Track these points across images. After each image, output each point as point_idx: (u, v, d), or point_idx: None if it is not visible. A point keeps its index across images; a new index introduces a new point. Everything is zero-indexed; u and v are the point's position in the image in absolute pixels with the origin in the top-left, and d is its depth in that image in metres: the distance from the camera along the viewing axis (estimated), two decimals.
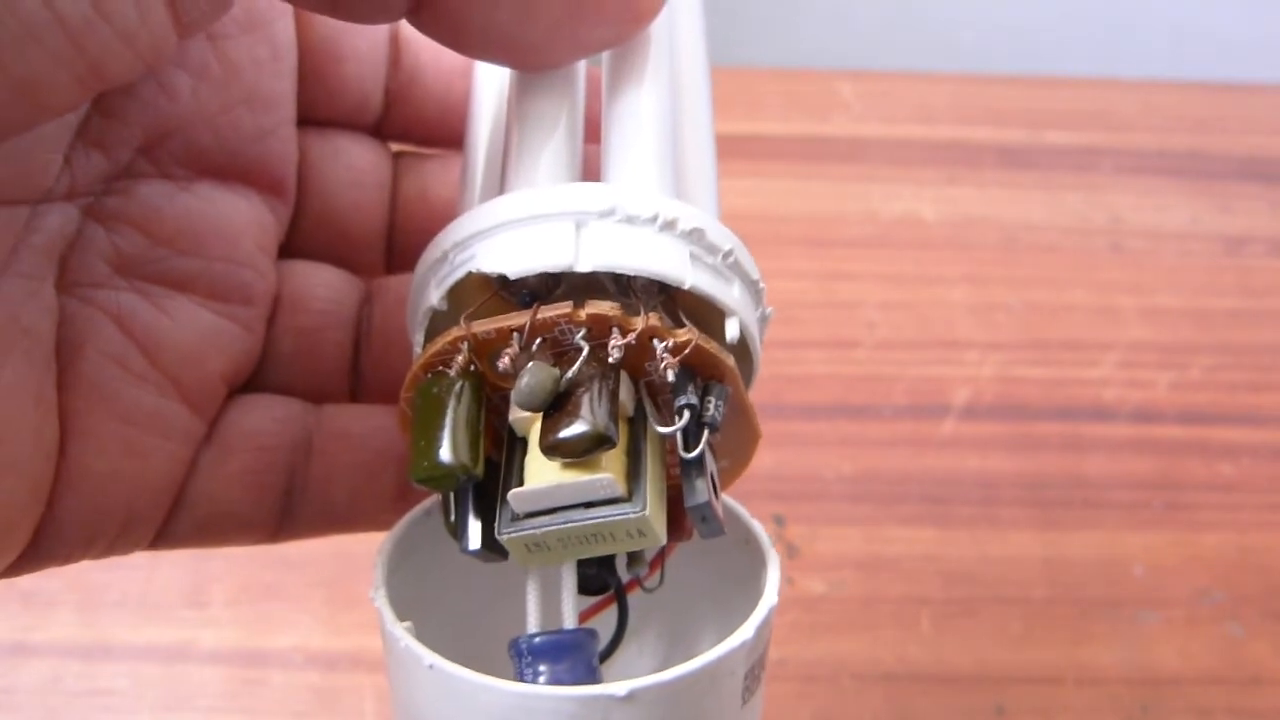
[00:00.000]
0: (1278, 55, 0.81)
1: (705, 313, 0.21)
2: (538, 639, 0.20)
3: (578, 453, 0.19)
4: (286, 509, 0.24)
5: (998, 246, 0.53)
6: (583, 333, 0.20)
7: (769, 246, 0.52)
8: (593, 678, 0.20)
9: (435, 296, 0.21)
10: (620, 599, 0.23)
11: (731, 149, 0.59)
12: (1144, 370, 0.47)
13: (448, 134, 0.26)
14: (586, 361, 0.20)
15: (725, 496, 0.23)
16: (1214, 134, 0.60)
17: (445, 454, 0.19)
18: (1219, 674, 0.37)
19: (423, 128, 0.26)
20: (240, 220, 0.24)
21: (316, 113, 0.25)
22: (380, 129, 0.26)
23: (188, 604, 0.38)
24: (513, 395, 0.20)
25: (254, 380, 0.25)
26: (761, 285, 0.22)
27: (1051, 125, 0.59)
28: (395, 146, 0.27)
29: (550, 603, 0.21)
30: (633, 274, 0.20)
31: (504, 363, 0.20)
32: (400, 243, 0.26)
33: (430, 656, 0.20)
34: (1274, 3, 0.87)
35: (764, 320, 0.22)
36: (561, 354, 0.20)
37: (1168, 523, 0.41)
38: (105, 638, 0.37)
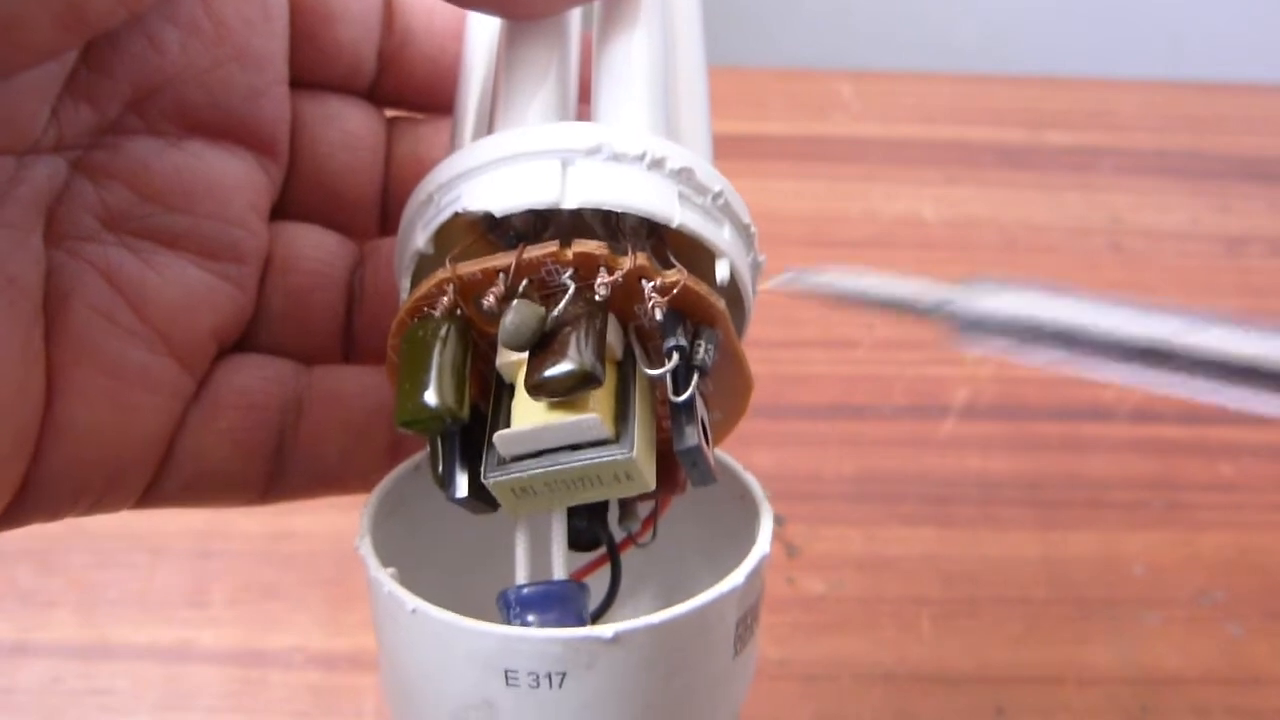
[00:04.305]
0: (1278, 55, 0.81)
1: (696, 257, 0.20)
2: (526, 589, 0.20)
3: (563, 391, 0.19)
4: (276, 469, 0.24)
5: (998, 246, 0.52)
6: (570, 273, 0.19)
7: (769, 246, 0.52)
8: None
9: (421, 240, 0.21)
10: (614, 557, 0.22)
11: (731, 149, 0.59)
12: None
13: (440, 98, 0.25)
14: (573, 300, 0.19)
15: (720, 451, 0.23)
16: (1214, 134, 0.59)
17: (430, 397, 0.19)
18: (1219, 674, 0.37)
19: (415, 92, 0.26)
20: (231, 178, 0.23)
21: (309, 75, 0.25)
22: (373, 93, 0.26)
23: (188, 604, 0.38)
24: (499, 335, 0.19)
25: (245, 340, 0.24)
26: (753, 230, 0.21)
27: (1051, 125, 0.59)
28: (389, 112, 0.26)
29: (541, 557, 0.20)
30: (619, 210, 0.20)
31: (489, 301, 0.19)
32: (394, 206, 0.26)
33: (413, 601, 0.20)
34: (1274, 3, 0.87)
35: (757, 266, 0.22)
36: (549, 295, 0.19)
37: (1168, 523, 0.41)
38: (105, 638, 0.37)
